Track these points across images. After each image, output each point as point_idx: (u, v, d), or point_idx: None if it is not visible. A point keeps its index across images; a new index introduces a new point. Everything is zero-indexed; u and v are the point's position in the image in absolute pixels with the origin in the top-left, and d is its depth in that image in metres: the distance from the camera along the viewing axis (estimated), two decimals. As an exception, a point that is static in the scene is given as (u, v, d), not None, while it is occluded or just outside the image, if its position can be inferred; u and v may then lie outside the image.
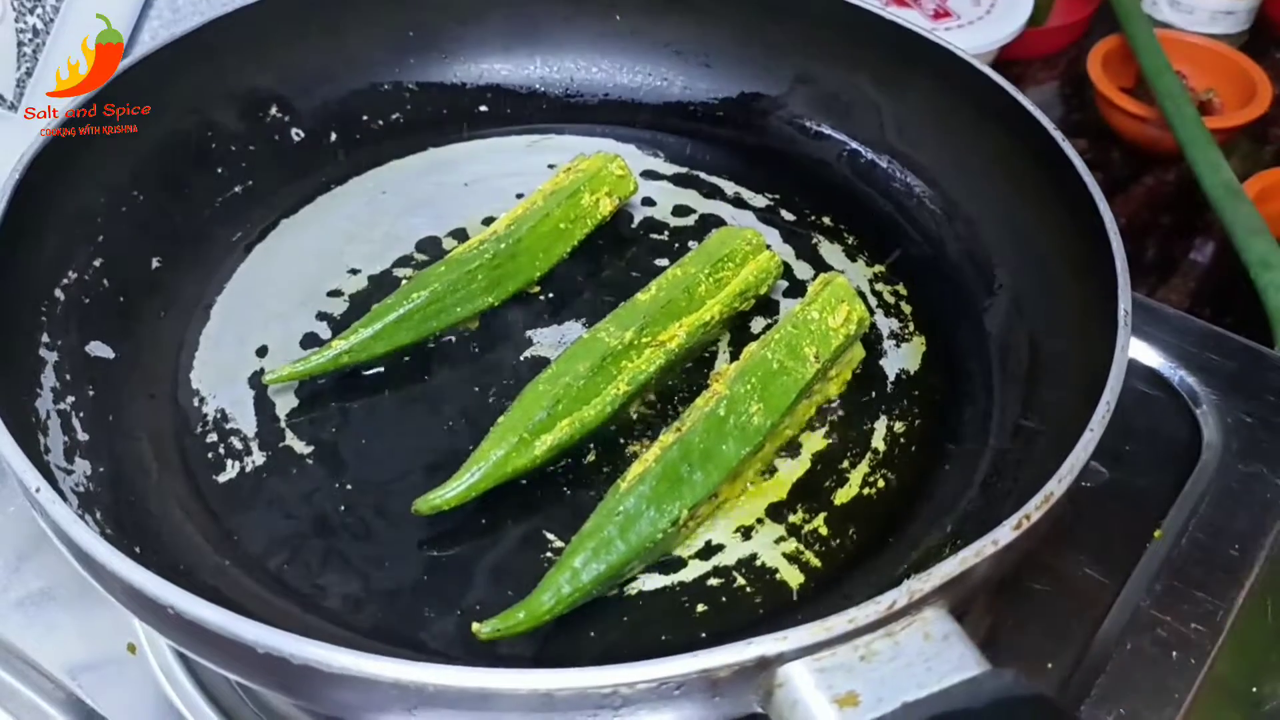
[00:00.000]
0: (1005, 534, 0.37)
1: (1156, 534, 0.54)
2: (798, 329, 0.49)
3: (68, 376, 0.47)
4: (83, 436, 0.46)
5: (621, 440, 0.49)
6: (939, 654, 0.34)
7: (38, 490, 0.37)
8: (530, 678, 0.33)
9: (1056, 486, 0.38)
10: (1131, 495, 0.56)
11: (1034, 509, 0.38)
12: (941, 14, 0.86)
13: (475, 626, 0.40)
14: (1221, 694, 0.50)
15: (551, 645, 0.42)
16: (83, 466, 0.45)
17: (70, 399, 0.47)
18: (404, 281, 0.53)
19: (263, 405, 0.50)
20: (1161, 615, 0.50)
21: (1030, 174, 0.53)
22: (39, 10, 0.57)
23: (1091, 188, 0.49)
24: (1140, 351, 0.61)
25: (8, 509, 0.54)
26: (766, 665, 0.34)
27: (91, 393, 0.48)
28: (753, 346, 0.49)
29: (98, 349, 0.49)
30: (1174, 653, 0.49)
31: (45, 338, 0.48)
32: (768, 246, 0.55)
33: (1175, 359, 0.61)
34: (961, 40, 0.61)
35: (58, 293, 0.49)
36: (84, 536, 0.36)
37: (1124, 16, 0.88)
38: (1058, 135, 0.52)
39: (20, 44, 0.58)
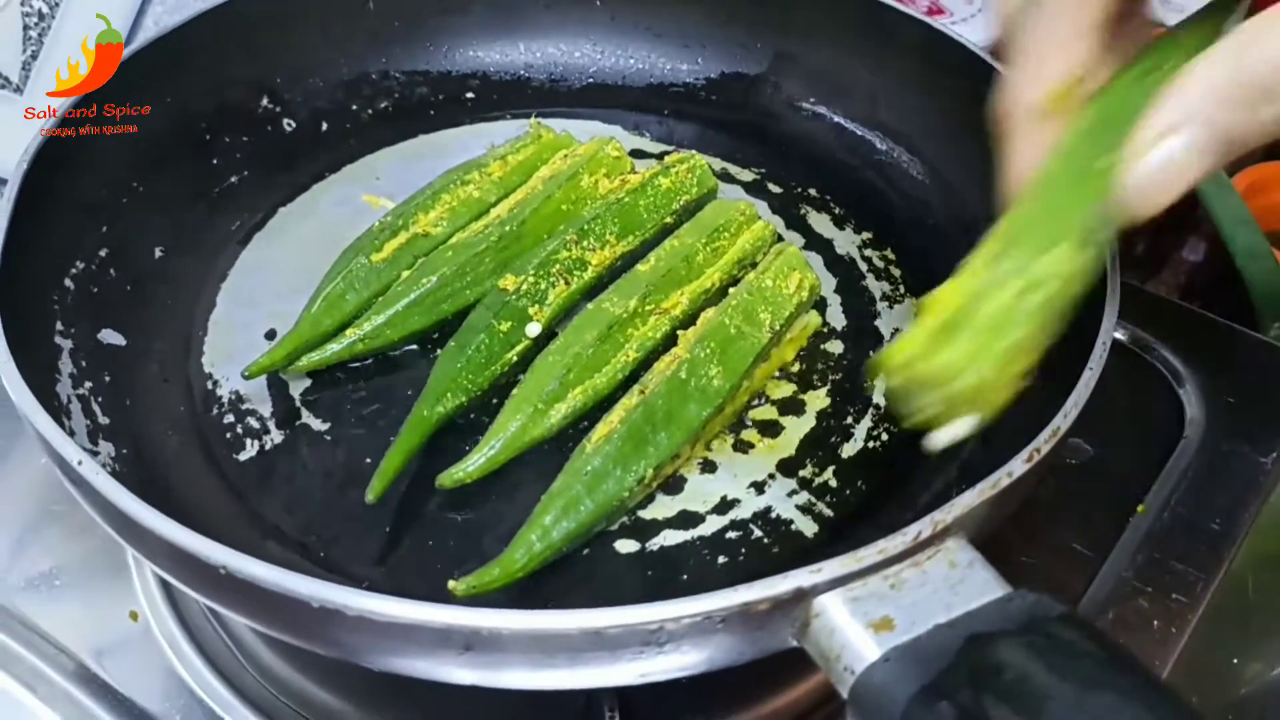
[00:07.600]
0: (1019, 466, 0.39)
1: (1140, 509, 0.56)
2: (753, 296, 0.51)
3: (84, 363, 0.48)
4: (104, 420, 0.47)
5: (632, 405, 0.50)
6: (964, 580, 0.36)
7: (80, 463, 0.37)
8: (580, 617, 0.34)
9: (1063, 421, 0.40)
10: (1115, 472, 0.58)
11: (1043, 442, 0.39)
12: (934, 10, 0.87)
13: (451, 584, 0.41)
14: (1203, 667, 0.52)
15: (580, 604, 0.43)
16: (107, 448, 0.45)
17: (88, 384, 0.47)
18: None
19: (277, 386, 0.50)
20: (1143, 586, 0.53)
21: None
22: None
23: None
24: (1126, 333, 0.63)
25: (16, 486, 0.55)
26: (802, 597, 0.35)
27: (108, 378, 0.48)
28: (710, 312, 0.50)
29: (110, 336, 0.50)
30: (1155, 622, 0.51)
31: (59, 325, 0.48)
32: (759, 217, 0.57)
33: (1160, 340, 0.63)
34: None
35: (67, 282, 0.50)
36: (131, 504, 0.36)
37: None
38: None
39: (26, 27, 0.58)
